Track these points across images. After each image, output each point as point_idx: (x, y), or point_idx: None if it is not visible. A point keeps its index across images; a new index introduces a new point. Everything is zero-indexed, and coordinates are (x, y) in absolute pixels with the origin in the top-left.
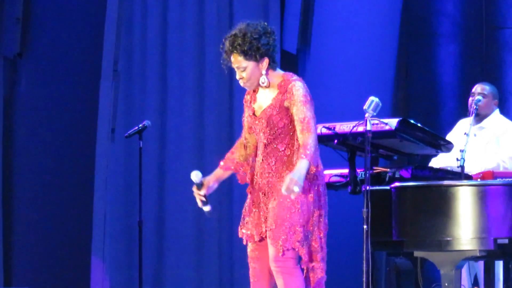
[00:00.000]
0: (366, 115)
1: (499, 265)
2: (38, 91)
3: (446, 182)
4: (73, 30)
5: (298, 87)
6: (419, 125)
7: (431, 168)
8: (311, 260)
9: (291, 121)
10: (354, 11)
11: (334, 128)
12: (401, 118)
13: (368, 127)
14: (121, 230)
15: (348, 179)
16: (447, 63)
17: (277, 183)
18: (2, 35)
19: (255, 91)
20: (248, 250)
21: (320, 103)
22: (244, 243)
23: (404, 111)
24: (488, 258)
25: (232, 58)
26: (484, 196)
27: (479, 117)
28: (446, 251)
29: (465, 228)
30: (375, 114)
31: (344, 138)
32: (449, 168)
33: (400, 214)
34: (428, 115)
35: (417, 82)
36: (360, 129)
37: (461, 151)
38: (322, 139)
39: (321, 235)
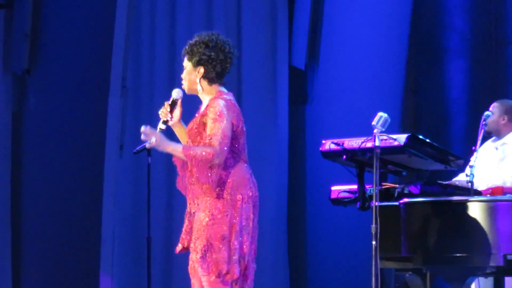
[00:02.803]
0: (375, 130)
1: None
2: (47, 107)
3: (455, 198)
4: (81, 46)
5: (215, 104)
6: (428, 140)
7: (440, 183)
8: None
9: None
10: (362, 27)
11: (343, 143)
12: (409, 134)
13: (377, 143)
14: (129, 246)
15: (356, 195)
16: (455, 78)
17: (200, 195)
18: (10, 51)
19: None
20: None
21: (328, 118)
22: (177, 251)
23: (413, 126)
24: (498, 274)
25: (184, 59)
26: (493, 212)
27: (495, 133)
28: (456, 267)
29: (475, 244)
30: (383, 129)
31: (352, 154)
32: (457, 183)
33: (409, 230)
34: (437, 130)
35: (426, 98)
36: (369, 144)
37: (470, 166)
38: (330, 155)
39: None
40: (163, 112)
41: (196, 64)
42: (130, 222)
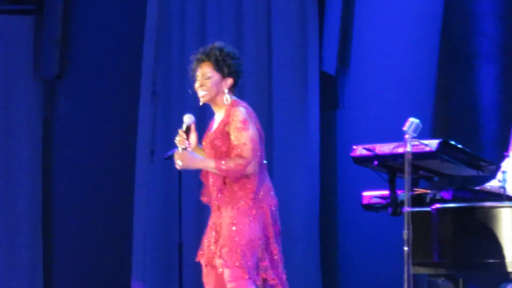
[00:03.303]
0: (406, 136)
1: None
2: (77, 113)
3: (487, 204)
4: (111, 52)
5: (238, 113)
6: (459, 146)
7: (472, 189)
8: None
9: (231, 144)
10: (393, 32)
11: (374, 149)
12: (441, 139)
13: (408, 149)
14: (161, 252)
15: (388, 200)
16: (487, 83)
17: (223, 204)
18: (41, 57)
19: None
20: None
21: (359, 124)
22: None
23: (444, 132)
24: None
25: (202, 67)
26: None
27: None
28: (488, 273)
29: (507, 249)
30: (415, 135)
31: (384, 159)
32: (489, 189)
33: (441, 235)
34: (468, 136)
35: (457, 103)
36: (400, 150)
37: (503, 172)
38: (362, 161)
39: (274, 256)
40: (180, 140)
41: (227, 75)
42: (162, 227)
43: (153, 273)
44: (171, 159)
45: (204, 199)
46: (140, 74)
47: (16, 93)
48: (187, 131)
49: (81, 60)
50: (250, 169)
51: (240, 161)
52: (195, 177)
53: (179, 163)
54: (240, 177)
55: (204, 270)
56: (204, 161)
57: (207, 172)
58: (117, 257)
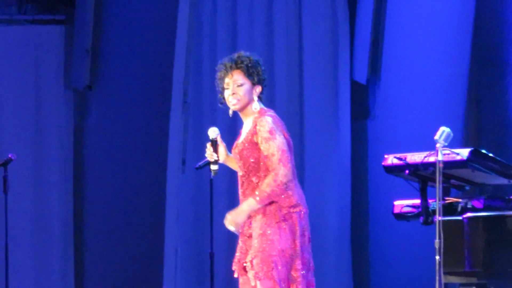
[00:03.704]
0: (438, 145)
1: None
2: (108, 123)
3: None
4: (142, 62)
5: (264, 122)
6: (491, 155)
7: (504, 198)
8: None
9: (262, 154)
10: (424, 40)
11: (405, 158)
12: (472, 148)
13: (440, 157)
14: (192, 262)
15: (419, 209)
16: None
17: (254, 214)
18: (72, 67)
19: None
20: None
21: (390, 133)
22: (235, 275)
23: (475, 140)
24: None
25: (232, 75)
26: None
27: None
28: None
29: None
30: (446, 144)
31: (415, 168)
32: None
33: (473, 244)
34: (500, 144)
35: (488, 112)
36: (432, 159)
37: None
38: (393, 170)
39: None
40: (209, 154)
41: (257, 83)
42: (193, 237)
43: (184, 283)
44: (202, 168)
45: None
46: (171, 84)
47: (47, 103)
48: (214, 145)
49: (111, 70)
50: (284, 179)
51: (271, 179)
52: (226, 187)
53: (232, 228)
54: (282, 191)
55: (240, 279)
56: (247, 207)
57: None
58: (149, 267)
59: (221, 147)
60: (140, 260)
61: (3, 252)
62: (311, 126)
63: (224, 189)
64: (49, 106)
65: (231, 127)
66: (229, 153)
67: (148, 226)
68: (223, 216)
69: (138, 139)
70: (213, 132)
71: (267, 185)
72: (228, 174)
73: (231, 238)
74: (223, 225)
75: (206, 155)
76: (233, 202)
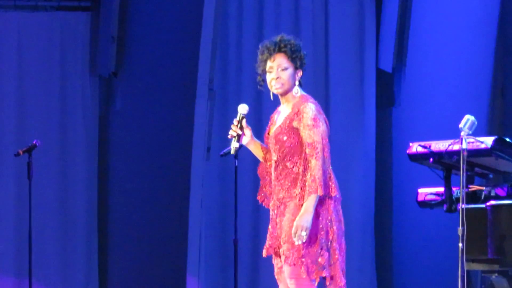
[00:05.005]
0: (462, 133)
1: None
2: (133, 110)
3: None
4: (168, 49)
5: (308, 109)
6: None
7: None
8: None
9: (300, 141)
10: (449, 29)
11: (430, 146)
12: (497, 137)
13: (464, 146)
14: (216, 249)
15: (443, 197)
16: None
17: (287, 200)
18: (97, 54)
19: (277, 112)
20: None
21: (415, 121)
22: (264, 255)
23: (500, 129)
24: None
25: (275, 58)
26: None
27: None
28: None
29: None
30: (470, 132)
31: (439, 156)
32: None
33: (496, 232)
34: None
35: None
36: (456, 147)
37: None
38: (417, 158)
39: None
40: (233, 129)
41: (299, 67)
42: (217, 224)
43: (208, 270)
44: (226, 156)
45: (260, 198)
46: (196, 71)
47: (73, 90)
48: (241, 121)
49: (137, 57)
50: (326, 168)
51: (315, 170)
52: (251, 174)
53: (303, 234)
54: (326, 178)
55: (276, 269)
56: (307, 207)
57: (266, 169)
58: (173, 254)
59: (248, 130)
60: (164, 247)
61: (27, 239)
62: (336, 113)
63: (248, 176)
64: (74, 93)
65: (255, 114)
66: (255, 139)
67: (172, 213)
68: (247, 204)
69: (163, 126)
70: (243, 108)
71: (313, 176)
72: (252, 162)
73: (256, 225)
74: (247, 212)
75: (230, 131)
76: (258, 190)
